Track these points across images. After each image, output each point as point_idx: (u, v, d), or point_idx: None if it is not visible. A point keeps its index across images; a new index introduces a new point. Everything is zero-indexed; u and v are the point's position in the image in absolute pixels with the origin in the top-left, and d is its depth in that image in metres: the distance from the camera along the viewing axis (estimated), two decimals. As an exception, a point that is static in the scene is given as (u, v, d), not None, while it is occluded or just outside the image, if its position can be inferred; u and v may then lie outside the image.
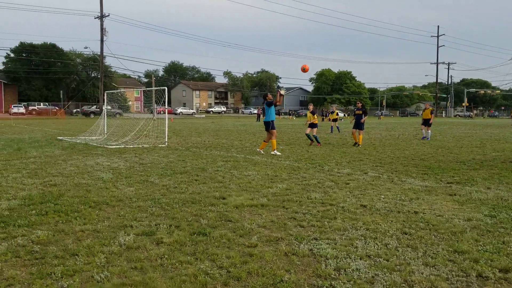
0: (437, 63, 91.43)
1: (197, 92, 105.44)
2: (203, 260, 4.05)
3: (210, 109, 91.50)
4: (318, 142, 16.20)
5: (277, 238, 4.70)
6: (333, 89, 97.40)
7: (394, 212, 5.80)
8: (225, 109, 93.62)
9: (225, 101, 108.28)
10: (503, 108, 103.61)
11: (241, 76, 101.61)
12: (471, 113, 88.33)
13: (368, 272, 3.74)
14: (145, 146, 14.97)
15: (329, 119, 28.14)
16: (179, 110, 78.99)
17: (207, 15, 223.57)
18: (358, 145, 15.95)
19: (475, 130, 29.60)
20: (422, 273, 3.70)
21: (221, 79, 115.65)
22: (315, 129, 16.39)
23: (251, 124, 37.46)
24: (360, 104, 17.21)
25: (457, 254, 4.13)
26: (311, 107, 17.26)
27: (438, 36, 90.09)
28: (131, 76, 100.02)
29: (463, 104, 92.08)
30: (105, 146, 14.85)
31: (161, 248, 4.36)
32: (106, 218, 5.46)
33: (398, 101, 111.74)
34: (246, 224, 5.23)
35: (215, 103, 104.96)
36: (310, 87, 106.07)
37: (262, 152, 13.27)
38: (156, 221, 5.32)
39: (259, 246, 4.44)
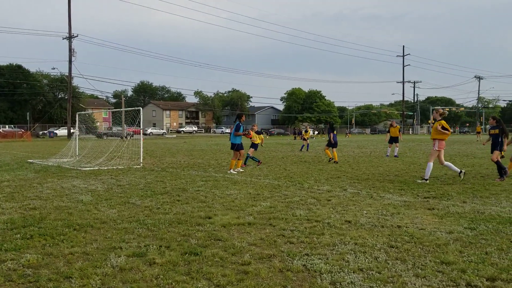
0: (403, 82, 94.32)
1: (168, 112, 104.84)
2: (199, 279, 4.07)
3: (181, 129, 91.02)
4: (257, 161, 15.61)
5: (269, 255, 4.76)
6: (303, 107, 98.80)
7: (378, 227, 5.96)
8: (196, 128, 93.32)
9: (196, 120, 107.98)
10: (467, 124, 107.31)
11: (212, 95, 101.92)
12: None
13: (363, 285, 3.85)
14: (119, 167, 14.79)
15: (302, 137, 28.42)
16: (149, 130, 78.22)
17: (178, 35, 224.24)
18: (336, 162, 16.38)
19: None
20: (414, 284, 3.83)
21: (192, 99, 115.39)
22: (251, 149, 16.01)
23: (225, 144, 37.47)
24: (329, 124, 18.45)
25: (444, 265, 4.30)
26: (255, 127, 17.20)
27: (403, 56, 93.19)
28: (99, 96, 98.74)
29: (429, 121, 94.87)
30: (79, 168, 14.59)
31: (155, 269, 4.34)
32: (94, 240, 5.39)
33: (367, 119, 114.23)
34: (237, 242, 5.27)
35: (186, 122, 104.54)
36: (281, 106, 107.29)
37: (241, 170, 13.42)
38: (145, 242, 5.29)
39: (253, 263, 4.49)
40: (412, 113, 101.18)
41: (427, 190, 9.35)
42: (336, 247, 5.01)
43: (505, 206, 7.38)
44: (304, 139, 26.87)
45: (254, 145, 16.37)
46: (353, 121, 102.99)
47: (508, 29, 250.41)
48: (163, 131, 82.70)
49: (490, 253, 4.64)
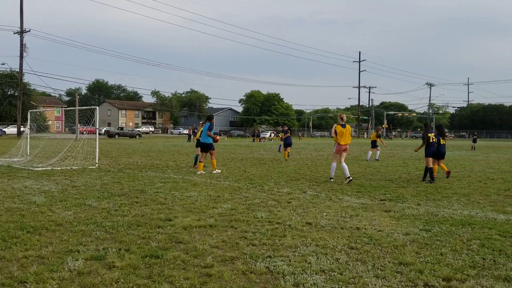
0: (359, 87, 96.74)
1: (123, 112, 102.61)
2: (161, 282, 4.00)
3: (138, 129, 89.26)
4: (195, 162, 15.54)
5: (232, 257, 4.74)
6: (262, 110, 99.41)
7: (338, 229, 6.07)
8: (153, 129, 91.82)
9: (153, 121, 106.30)
10: (419, 129, 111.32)
11: (170, 95, 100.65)
12: (390, 135, 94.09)
13: (325, 286, 3.91)
14: (74, 168, 14.31)
15: (265, 139, 28.70)
16: (104, 130, 76.28)
17: (136, 33, 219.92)
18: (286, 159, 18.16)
19: (396, 150, 31.60)
20: (375, 285, 3.93)
21: (149, 99, 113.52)
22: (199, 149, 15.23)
23: (182, 145, 37.08)
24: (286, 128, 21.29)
25: (403, 266, 4.44)
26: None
27: (359, 62, 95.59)
28: (52, 94, 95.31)
29: (383, 125, 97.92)
30: (31, 168, 14.00)
31: (115, 272, 4.23)
32: (49, 243, 5.18)
33: (324, 122, 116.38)
34: (198, 245, 5.21)
35: (143, 123, 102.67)
36: (239, 108, 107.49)
37: (204, 172, 13.36)
38: (104, 245, 5.14)
39: (216, 266, 4.46)
40: (367, 117, 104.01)
41: (383, 192, 9.63)
42: (298, 248, 5.06)
43: (457, 209, 7.71)
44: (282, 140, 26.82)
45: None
46: (311, 124, 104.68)
47: (458, 39, 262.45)
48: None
49: (445, 254, 4.83)
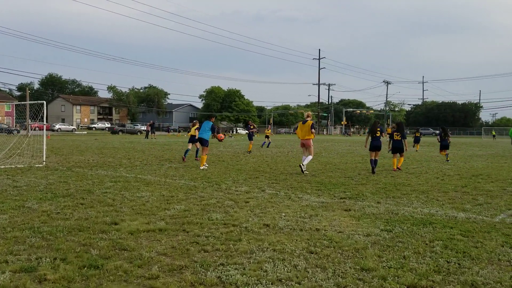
0: (318, 84, 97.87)
1: (78, 107, 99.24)
2: (97, 299, 3.51)
3: (93, 125, 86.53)
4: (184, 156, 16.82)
5: (180, 266, 4.30)
6: (222, 106, 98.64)
7: (297, 230, 5.74)
8: (109, 125, 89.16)
9: (109, 117, 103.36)
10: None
11: (127, 91, 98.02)
12: (349, 131, 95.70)
13: (282, 299, 3.54)
14: (19, 166, 13.37)
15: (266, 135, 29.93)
16: (58, 126, 73.47)
17: (91, 26, 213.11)
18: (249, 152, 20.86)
19: (355, 147, 31.87)
20: (336, 295, 3.60)
21: (105, 94, 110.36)
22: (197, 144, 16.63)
23: (139, 142, 36.02)
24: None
25: (365, 272, 4.14)
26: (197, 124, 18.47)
27: (319, 59, 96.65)
28: (2, 89, 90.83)
29: (342, 122, 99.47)
30: (-30, 166, 12.95)
31: (45, 287, 3.70)
32: (-28, 254, 4.56)
33: (284, 119, 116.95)
34: (144, 252, 4.74)
35: (98, 119, 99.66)
36: (200, 104, 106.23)
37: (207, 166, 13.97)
38: (37, 254, 4.58)
39: (161, 277, 4.01)
40: (327, 114, 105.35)
41: (342, 190, 9.42)
42: (254, 254, 4.68)
43: (417, 207, 7.57)
44: (267, 136, 28.62)
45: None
46: (271, 121, 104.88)
47: (414, 39, 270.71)
48: (73, 127, 78.13)
49: (408, 257, 4.58)
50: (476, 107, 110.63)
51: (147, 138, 44.80)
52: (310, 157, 12.83)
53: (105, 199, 7.93)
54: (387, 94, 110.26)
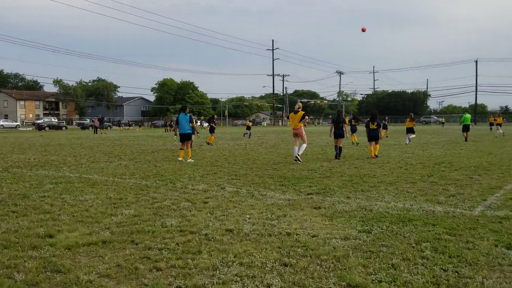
0: (273, 75, 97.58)
1: (22, 103, 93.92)
2: None
3: (39, 121, 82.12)
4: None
5: (126, 293, 3.46)
6: (175, 99, 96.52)
7: (265, 236, 5.01)
8: (56, 120, 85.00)
9: (56, 112, 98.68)
10: (330, 116, 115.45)
11: (75, 84, 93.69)
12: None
13: (258, 335, 2.79)
14: None
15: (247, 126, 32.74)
16: (0, 123, 69.20)
17: (35, 16, 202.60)
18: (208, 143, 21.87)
19: (312, 137, 31.58)
20: (324, 326, 2.89)
21: (51, 88, 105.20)
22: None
23: (87, 137, 34.17)
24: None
25: (353, 290, 3.45)
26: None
27: (273, 50, 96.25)
28: None
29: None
30: None
31: None
32: None
33: (239, 111, 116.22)
34: (82, 274, 3.85)
35: (45, 114, 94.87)
36: (152, 97, 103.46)
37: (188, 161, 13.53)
38: None
39: (102, 310, 3.16)
40: (281, 106, 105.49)
41: (308, 185, 8.79)
42: (218, 271, 3.90)
43: (389, 201, 7.03)
44: (248, 127, 32.24)
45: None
46: (226, 113, 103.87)
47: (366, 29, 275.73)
48: (17, 123, 73.89)
49: (398, 266, 3.94)
50: (424, 95, 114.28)
51: (96, 133, 42.84)
52: (304, 145, 13.42)
53: (41, 205, 6.88)
54: (340, 85, 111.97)
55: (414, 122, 22.67)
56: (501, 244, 4.50)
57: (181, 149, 14.11)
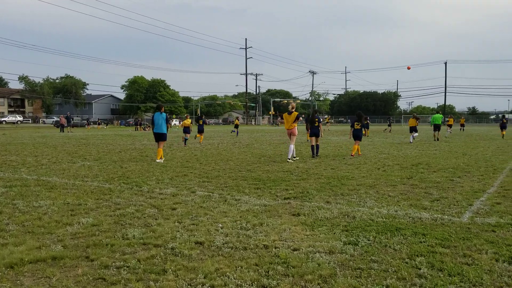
0: (246, 74, 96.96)
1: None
2: None
3: (3, 119, 79.00)
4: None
5: (72, 329, 2.83)
6: (146, 97, 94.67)
7: (240, 250, 4.44)
8: (21, 118, 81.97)
9: (21, 109, 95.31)
10: (303, 115, 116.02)
11: (42, 81, 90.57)
12: (277, 121, 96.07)
13: None
14: None
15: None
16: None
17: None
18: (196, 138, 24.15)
19: (286, 137, 31.19)
20: None
21: (16, 85, 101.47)
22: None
23: (53, 136, 32.78)
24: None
25: (345, 320, 2.93)
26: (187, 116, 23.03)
27: (246, 49, 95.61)
28: None
29: (270, 112, 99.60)
30: None
31: None
32: None
33: (212, 109, 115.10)
34: (21, 303, 3.20)
35: (9, 111, 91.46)
36: (122, 95, 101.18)
37: (159, 160, 13.07)
38: None
39: None
40: (254, 105, 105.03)
41: (284, 188, 8.27)
42: (185, 297, 3.31)
43: (372, 206, 6.58)
44: (236, 126, 34.23)
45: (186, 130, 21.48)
46: (198, 112, 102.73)
47: (337, 30, 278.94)
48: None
49: (393, 287, 3.44)
50: (395, 96, 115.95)
51: (63, 131, 41.29)
52: (292, 146, 13.44)
53: (-13, 213, 6.11)
54: (313, 84, 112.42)
55: (417, 121, 23.99)
56: (502, 258, 4.07)
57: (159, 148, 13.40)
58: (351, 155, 14.84)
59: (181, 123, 25.24)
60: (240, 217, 5.89)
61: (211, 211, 6.25)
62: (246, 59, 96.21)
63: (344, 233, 5.03)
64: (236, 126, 34.68)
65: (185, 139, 21.27)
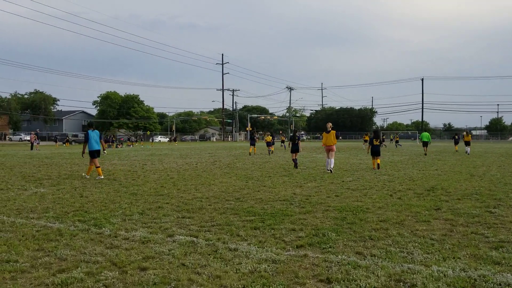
0: (222, 90, 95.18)
1: None
2: None
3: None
4: None
5: None
6: (120, 113, 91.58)
7: None
8: (-14, 135, 77.81)
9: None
10: (280, 132, 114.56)
11: (8, 96, 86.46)
12: (256, 137, 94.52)
13: None
14: None
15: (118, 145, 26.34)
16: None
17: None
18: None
19: (267, 153, 29.35)
20: None
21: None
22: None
23: (15, 154, 30.06)
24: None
25: None
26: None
27: (222, 64, 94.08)
28: None
29: (247, 128, 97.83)
30: None
31: None
32: None
33: (188, 125, 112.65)
34: None
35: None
36: (93, 111, 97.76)
37: (102, 177, 13.09)
38: None
39: None
40: (231, 121, 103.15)
41: (290, 227, 6.35)
42: None
43: (425, 261, 4.71)
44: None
45: None
46: (174, 128, 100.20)
47: (314, 47, 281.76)
48: None
49: None
50: (372, 112, 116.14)
51: (32, 149, 38.75)
52: (332, 160, 15.12)
53: None
54: (290, 100, 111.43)
55: (470, 136, 29.33)
56: None
57: (97, 166, 13.40)
58: (373, 168, 16.40)
59: (264, 138, 35.51)
60: (244, 287, 3.92)
61: (199, 275, 4.25)
62: (223, 74, 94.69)
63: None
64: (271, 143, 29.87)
65: (269, 151, 28.54)
